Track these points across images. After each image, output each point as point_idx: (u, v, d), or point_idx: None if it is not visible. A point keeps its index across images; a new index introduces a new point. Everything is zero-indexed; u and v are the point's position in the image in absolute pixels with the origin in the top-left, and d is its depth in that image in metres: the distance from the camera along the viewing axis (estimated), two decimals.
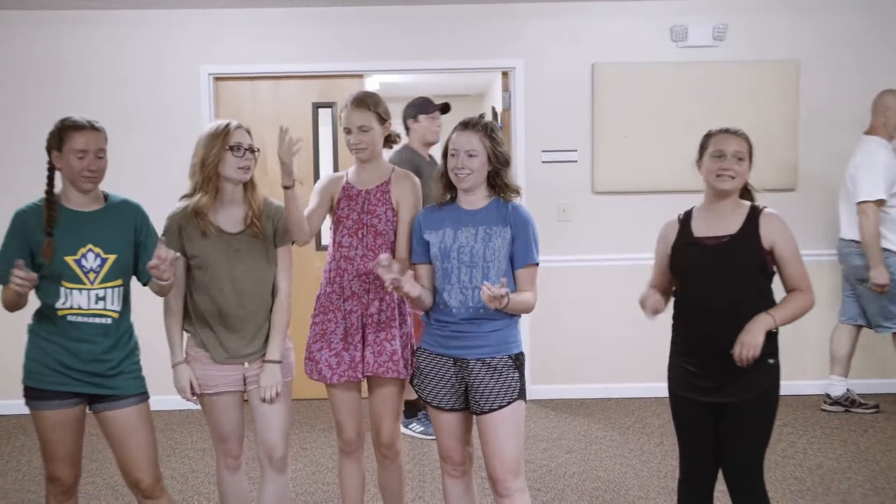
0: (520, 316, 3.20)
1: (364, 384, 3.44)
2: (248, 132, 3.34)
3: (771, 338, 3.02)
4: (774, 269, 3.08)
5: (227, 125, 3.29)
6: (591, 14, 6.03)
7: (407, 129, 5.35)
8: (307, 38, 6.01)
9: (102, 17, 5.90)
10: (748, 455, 3.09)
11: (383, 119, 3.39)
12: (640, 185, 5.87)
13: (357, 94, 3.39)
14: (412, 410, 5.36)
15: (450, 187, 3.22)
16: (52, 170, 3.13)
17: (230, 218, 3.30)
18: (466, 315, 3.11)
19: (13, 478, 4.78)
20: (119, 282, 3.11)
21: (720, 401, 3.06)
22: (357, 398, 3.45)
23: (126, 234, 3.15)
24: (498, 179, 3.17)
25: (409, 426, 5.36)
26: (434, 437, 4.83)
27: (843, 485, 4.45)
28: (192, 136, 5.91)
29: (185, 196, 3.34)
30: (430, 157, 5.37)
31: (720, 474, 3.19)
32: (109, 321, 3.10)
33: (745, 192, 3.17)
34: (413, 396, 4.97)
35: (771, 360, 3.05)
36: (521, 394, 3.14)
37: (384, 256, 2.97)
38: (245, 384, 3.34)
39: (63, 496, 3.18)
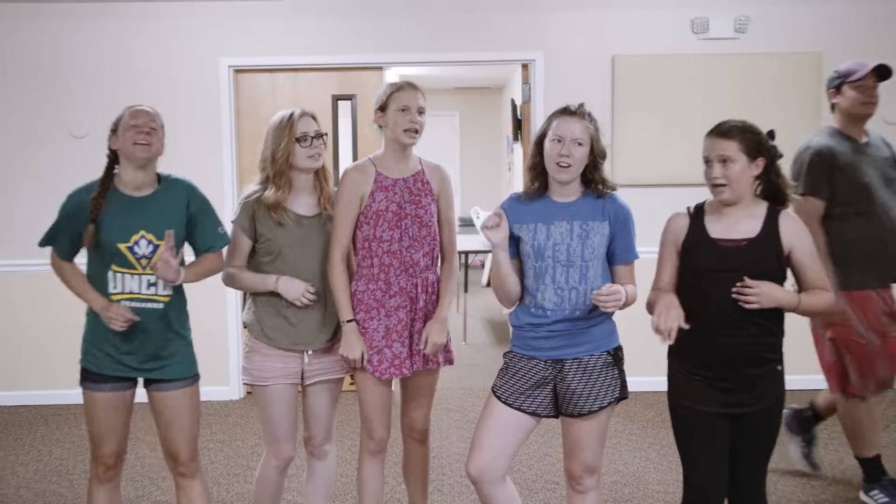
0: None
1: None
2: (314, 117, 3.34)
3: (777, 344, 2.90)
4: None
5: (291, 115, 3.28)
6: (612, 6, 6.00)
7: (832, 105, 4.30)
8: (326, 30, 6.01)
9: (120, 9, 5.92)
10: (758, 467, 2.95)
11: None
12: (660, 177, 5.85)
13: (405, 80, 3.33)
14: (875, 474, 4.16)
15: (539, 178, 3.05)
16: (110, 156, 3.16)
17: (304, 203, 3.31)
18: (562, 316, 2.97)
19: (34, 468, 4.82)
20: None
21: (735, 411, 2.88)
22: (391, 396, 3.38)
23: (179, 218, 3.16)
24: (595, 174, 3.01)
25: (871, 493, 4.14)
26: None
27: None
28: (212, 129, 6.05)
29: (258, 183, 3.34)
30: (867, 134, 4.23)
31: None
32: (161, 305, 3.12)
33: (771, 185, 2.91)
34: (871, 454, 4.11)
35: (779, 367, 2.91)
36: (623, 390, 3.03)
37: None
38: (303, 378, 3.35)
39: (105, 474, 3.20)
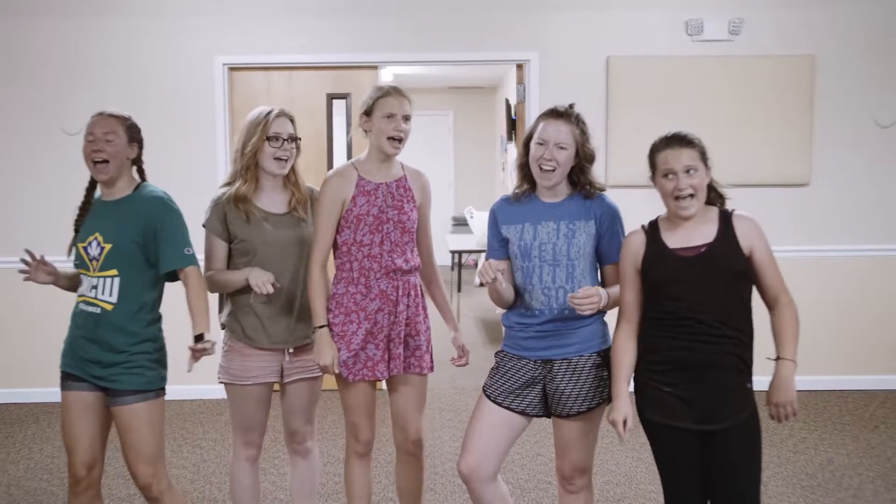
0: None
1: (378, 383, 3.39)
2: (292, 120, 3.31)
3: (747, 358, 2.80)
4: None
5: (268, 113, 3.27)
6: (607, 7, 6.01)
7: None
8: (322, 28, 6.00)
9: (116, 6, 5.91)
10: (745, 491, 2.78)
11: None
12: None
13: (392, 84, 3.24)
14: None
15: (527, 178, 3.05)
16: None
17: (273, 200, 3.29)
18: (550, 316, 2.97)
19: (25, 466, 4.81)
20: (114, 272, 3.04)
21: (708, 428, 2.76)
22: (374, 398, 3.33)
23: (133, 225, 3.05)
24: (582, 177, 3.00)
25: None
26: None
27: (854, 480, 4.44)
28: (207, 127, 6.05)
29: (225, 183, 3.34)
30: None
31: None
32: (99, 310, 3.04)
33: (711, 190, 2.88)
34: None
35: (748, 385, 2.81)
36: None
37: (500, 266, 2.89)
38: (282, 375, 3.34)
39: (76, 486, 3.10)
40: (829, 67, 6.01)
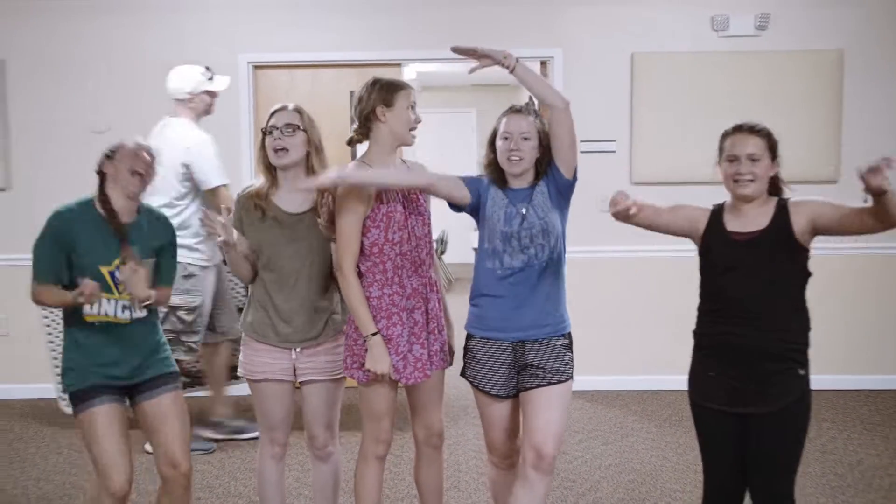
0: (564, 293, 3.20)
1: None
2: (299, 111, 3.31)
3: (798, 345, 2.86)
4: (810, 271, 2.89)
5: (272, 110, 3.31)
6: (631, 3, 5.97)
7: None
8: (345, 26, 6.02)
9: (142, 4, 5.95)
10: (779, 475, 2.88)
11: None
12: (679, 175, 5.80)
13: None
14: None
15: (496, 174, 3.18)
16: (101, 175, 3.14)
17: (293, 200, 3.26)
18: (522, 275, 3.09)
19: (55, 461, 4.85)
20: None
21: (746, 411, 2.86)
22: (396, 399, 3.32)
23: (151, 251, 3.19)
24: (545, 165, 3.15)
25: None
26: None
27: (885, 481, 4.39)
28: (232, 125, 6.07)
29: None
30: None
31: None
32: (134, 327, 3.16)
33: (773, 187, 2.97)
34: None
35: (801, 371, 2.87)
36: (572, 375, 3.16)
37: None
38: (295, 374, 3.32)
39: None
40: (859, 62, 5.94)
